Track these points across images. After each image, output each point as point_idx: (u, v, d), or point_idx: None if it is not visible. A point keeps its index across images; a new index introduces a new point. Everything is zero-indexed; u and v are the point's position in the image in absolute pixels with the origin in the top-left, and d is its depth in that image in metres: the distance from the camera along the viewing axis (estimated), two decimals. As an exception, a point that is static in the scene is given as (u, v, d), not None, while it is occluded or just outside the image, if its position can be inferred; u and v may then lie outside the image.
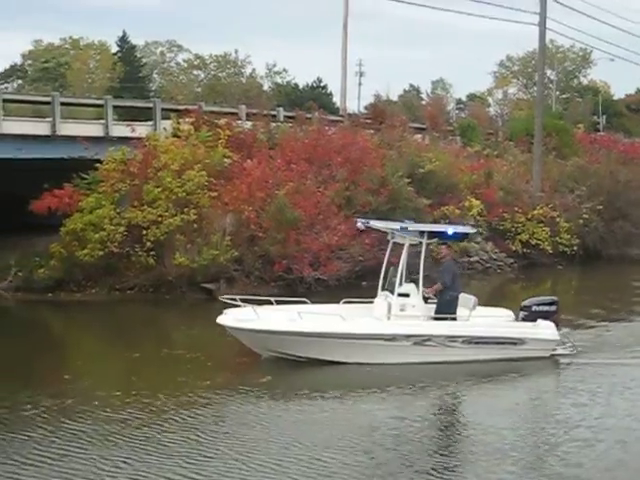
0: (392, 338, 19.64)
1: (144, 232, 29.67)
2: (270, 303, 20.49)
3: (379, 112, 45.61)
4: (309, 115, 39.98)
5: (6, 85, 72.53)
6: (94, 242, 29.35)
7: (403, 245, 20.62)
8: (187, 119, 35.34)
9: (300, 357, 19.67)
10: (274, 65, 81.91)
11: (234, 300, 19.82)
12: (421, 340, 19.72)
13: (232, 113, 38.25)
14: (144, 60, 77.44)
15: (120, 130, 34.94)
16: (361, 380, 18.87)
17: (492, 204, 39.04)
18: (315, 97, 63.86)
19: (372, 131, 40.40)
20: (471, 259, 37.56)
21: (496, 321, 20.72)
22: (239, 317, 19.65)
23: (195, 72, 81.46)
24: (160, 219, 29.81)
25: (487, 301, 33.25)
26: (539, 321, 20.45)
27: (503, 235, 39.25)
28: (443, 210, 36.26)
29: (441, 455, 13.96)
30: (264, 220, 31.02)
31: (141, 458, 13.60)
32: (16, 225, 32.61)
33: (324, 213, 32.22)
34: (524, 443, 14.59)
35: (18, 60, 77.14)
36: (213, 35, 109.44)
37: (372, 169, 34.53)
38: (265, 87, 77.68)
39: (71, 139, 33.35)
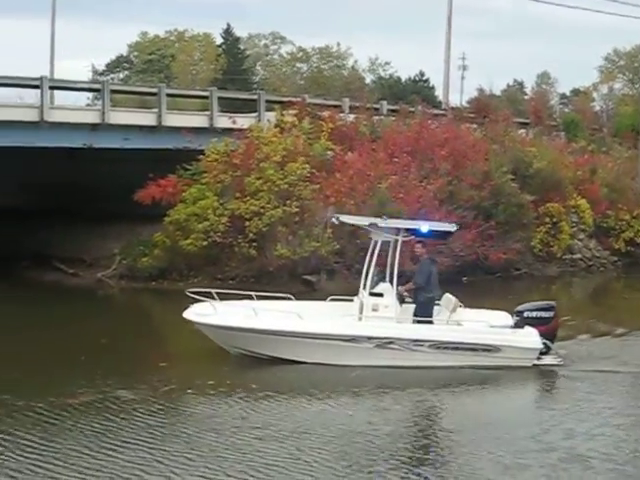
0: (351, 339, 18.68)
1: (246, 223, 29.90)
2: (251, 298, 19.69)
3: (482, 106, 45.14)
4: (412, 108, 39.77)
5: (112, 76, 73.64)
6: (197, 232, 29.70)
7: (385, 242, 19.63)
8: (291, 111, 35.46)
9: (261, 355, 18.95)
10: (376, 58, 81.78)
11: (208, 294, 18.94)
12: (384, 343, 18.68)
13: (335, 106, 38.25)
14: (247, 52, 77.90)
15: (224, 121, 35.23)
16: (310, 382, 17.78)
17: (596, 201, 38.37)
18: (417, 90, 63.68)
19: (475, 125, 40.07)
20: (574, 256, 37.06)
21: (471, 326, 19.27)
22: (199, 311, 19.01)
23: (298, 64, 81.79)
24: (262, 210, 30.01)
25: (588, 299, 33.18)
26: (526, 328, 19.01)
27: (606, 233, 38.55)
28: (548, 207, 35.79)
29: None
30: (365, 213, 30.96)
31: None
32: (121, 214, 33.17)
33: (426, 207, 32.05)
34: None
35: (124, 51, 78.40)
36: (316, 28, 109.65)
37: (475, 163, 34.23)
38: (367, 80, 77.61)
39: (176, 130, 33.75)
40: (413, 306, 19.57)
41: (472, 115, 42.59)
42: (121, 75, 76.37)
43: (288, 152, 31.66)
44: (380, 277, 19.58)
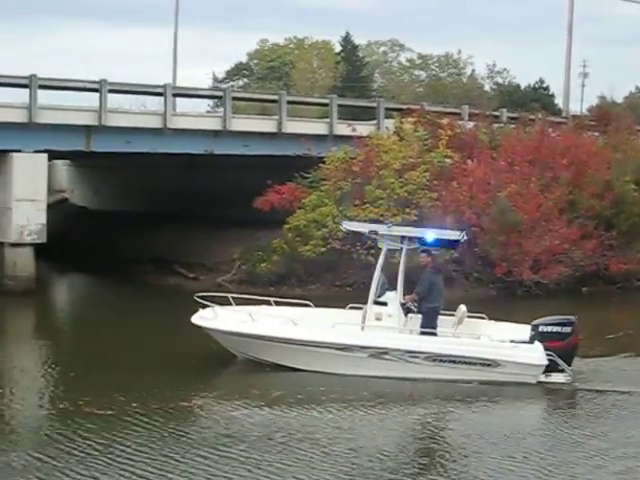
0: (344, 348, 18.26)
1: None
2: (268, 303, 19.74)
3: (604, 114, 44.40)
4: (532, 116, 39.37)
5: (232, 83, 74.56)
6: (316, 239, 29.88)
7: (392, 250, 19.27)
8: (409, 118, 35.43)
9: (260, 360, 18.82)
10: (494, 65, 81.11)
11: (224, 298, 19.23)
12: (377, 353, 18.21)
13: (454, 113, 38.12)
14: (366, 59, 78.09)
15: (343, 129, 35.41)
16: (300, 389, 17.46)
17: None
18: (537, 98, 62.89)
19: (597, 133, 39.45)
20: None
21: (471, 339, 18.59)
22: (203, 315, 18.96)
23: (416, 72, 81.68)
24: (381, 218, 29.99)
25: None
26: (535, 343, 18.18)
27: None
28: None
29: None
30: (484, 222, 30.81)
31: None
32: (240, 220, 33.62)
33: (546, 216, 31.75)
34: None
35: (244, 59, 79.33)
36: (435, 35, 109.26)
37: (597, 172, 33.71)
38: (486, 87, 77.04)
39: (295, 137, 34.09)
40: (418, 317, 19.04)
41: (593, 123, 41.93)
42: (241, 82, 77.28)
43: (407, 160, 31.67)
44: (388, 286, 19.01)
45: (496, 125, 37.43)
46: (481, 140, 35.29)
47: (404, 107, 38.34)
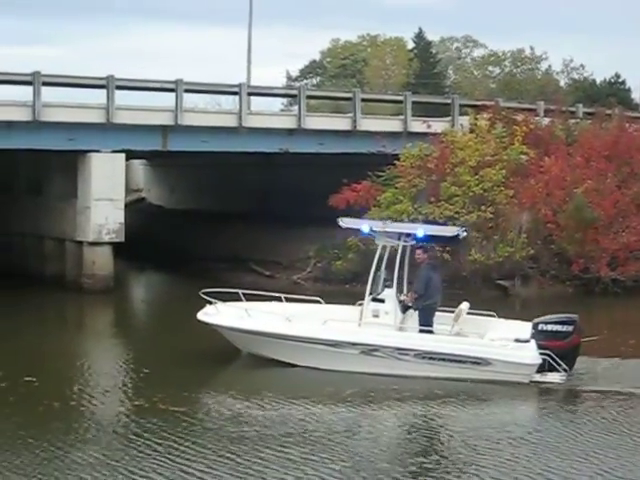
0: (336, 344, 18.25)
1: (440, 228, 29.93)
2: (279, 300, 19.89)
3: (683, 108, 43.79)
4: (608, 111, 38.93)
5: (305, 82, 74.78)
6: (391, 236, 29.85)
7: (386, 247, 18.98)
8: (484, 115, 35.26)
9: (260, 355, 19.06)
10: (571, 61, 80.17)
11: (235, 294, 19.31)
12: (368, 350, 18.15)
13: (529, 109, 37.82)
14: (439, 56, 77.75)
15: (417, 126, 35.36)
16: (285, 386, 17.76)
17: None
18: (613, 93, 62.03)
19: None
20: None
21: (462, 337, 18.45)
22: (206, 311, 19.34)
23: (490, 68, 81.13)
24: (456, 215, 29.96)
25: None
26: (530, 342, 17.83)
27: None
28: None
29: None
30: (561, 219, 30.56)
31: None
32: (315, 217, 33.71)
33: (623, 212, 31.40)
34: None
35: (317, 57, 79.48)
36: (508, 31, 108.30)
37: (676, 168, 33.28)
38: (561, 83, 76.21)
39: (370, 134, 34.09)
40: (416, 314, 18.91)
41: (672, 118, 41.31)
42: (314, 81, 77.48)
43: (483, 157, 31.53)
44: (390, 282, 18.77)
45: (572, 121, 37.10)
46: (557, 136, 35.03)
47: (479, 103, 38.19)
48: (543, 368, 17.80)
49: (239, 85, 33.04)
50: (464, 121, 35.72)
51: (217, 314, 19.16)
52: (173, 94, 31.02)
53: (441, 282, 19.41)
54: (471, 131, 34.15)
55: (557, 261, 30.78)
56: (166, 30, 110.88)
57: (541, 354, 17.76)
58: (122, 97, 30.65)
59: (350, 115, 34.94)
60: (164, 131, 31.25)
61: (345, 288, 30.29)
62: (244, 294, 19.35)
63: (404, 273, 19.21)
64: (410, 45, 78.00)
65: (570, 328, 18.02)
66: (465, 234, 19.71)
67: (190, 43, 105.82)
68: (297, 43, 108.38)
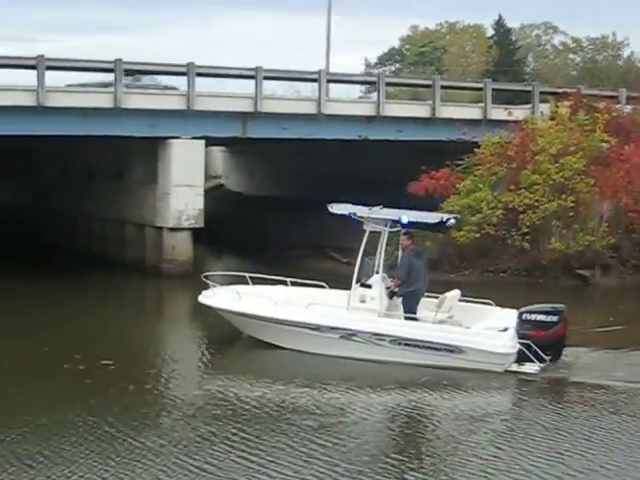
0: (316, 328, 18.59)
1: (520, 216, 29.69)
2: (285, 283, 20.42)
3: None
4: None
5: (384, 69, 74.57)
6: (471, 224, 29.65)
7: (375, 233, 19.17)
8: (565, 102, 34.85)
9: (251, 337, 19.65)
10: (656, 47, 78.88)
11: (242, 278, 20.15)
12: (347, 334, 18.44)
13: (611, 97, 37.28)
14: (519, 43, 76.92)
15: (497, 113, 35.12)
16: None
17: None
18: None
19: None
20: None
21: (437, 325, 18.31)
22: (205, 294, 20.10)
23: (570, 55, 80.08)
24: (536, 204, 29.71)
25: None
26: (507, 331, 17.85)
27: None
28: None
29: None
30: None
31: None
32: (393, 205, 33.60)
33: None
34: None
35: (395, 44, 79.24)
36: (589, 17, 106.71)
37: None
38: (644, 70, 74.90)
39: (449, 122, 33.92)
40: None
41: None
42: (392, 68, 77.26)
43: (564, 145, 31.18)
44: (375, 269, 18.99)
45: (656, 108, 36.49)
46: (639, 124, 34.45)
47: (559, 91, 37.70)
48: (524, 358, 17.67)
49: (318, 72, 33.07)
50: (544, 109, 35.35)
51: (213, 296, 19.89)
52: (253, 81, 31.17)
53: (426, 269, 19.50)
54: (551, 119, 33.79)
55: (638, 250, 30.40)
56: (246, 18, 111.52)
57: (521, 344, 17.64)
58: (202, 84, 30.90)
59: (429, 102, 34.79)
60: (244, 118, 31.42)
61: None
62: (252, 278, 20.18)
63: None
64: (489, 32, 77.33)
65: (555, 318, 17.90)
66: (454, 221, 19.63)
67: (269, 31, 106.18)
68: (376, 30, 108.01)
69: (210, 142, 34.08)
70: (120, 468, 12.30)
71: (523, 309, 18.16)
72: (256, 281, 20.40)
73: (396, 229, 19.16)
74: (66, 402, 15.37)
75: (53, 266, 30.69)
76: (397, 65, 78.08)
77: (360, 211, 19.49)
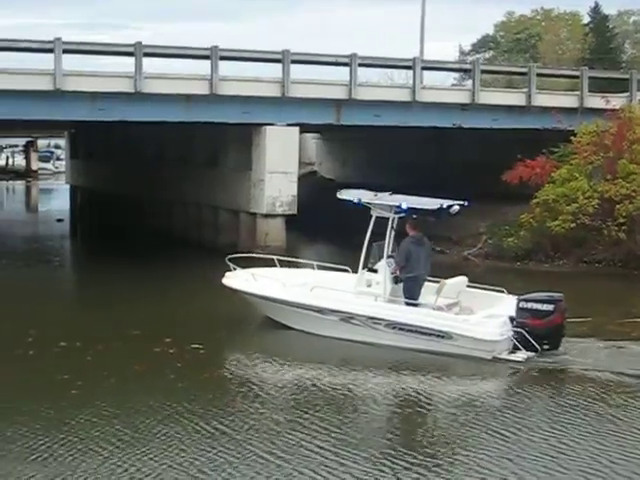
0: (319, 310, 19.03)
1: (616, 206, 29.26)
2: (312, 268, 21.32)
3: None
4: None
5: (477, 56, 73.93)
6: (566, 214, 29.31)
7: (382, 218, 19.23)
8: (665, 90, 34.29)
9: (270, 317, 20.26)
10: None
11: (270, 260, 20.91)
12: (346, 317, 18.78)
13: None
14: (616, 30, 75.68)
15: (594, 102, 34.66)
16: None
17: None
18: None
19: None
20: None
21: (430, 310, 18.40)
22: (227, 275, 20.70)
23: (669, 42, 78.60)
24: (633, 194, 29.25)
25: None
26: (497, 319, 17.81)
27: None
28: None
29: None
30: None
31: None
32: (486, 193, 33.45)
33: None
34: None
35: (490, 31, 78.52)
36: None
37: None
38: None
39: (544, 110, 33.60)
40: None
41: None
42: (486, 55, 76.59)
43: (663, 134, 30.68)
44: (376, 254, 19.28)
45: None
46: None
47: (659, 78, 37.05)
48: (519, 346, 17.56)
49: (413, 59, 32.99)
50: (642, 97, 34.85)
51: (232, 278, 20.58)
52: (347, 68, 31.22)
53: (427, 256, 19.46)
54: (650, 107, 33.25)
55: None
56: (339, 6, 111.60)
57: (515, 332, 17.55)
58: (296, 72, 31.03)
59: (525, 90, 34.48)
60: (337, 105, 31.51)
61: (516, 265, 30.08)
62: (279, 261, 20.95)
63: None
64: (585, 19, 76.21)
65: (550, 307, 17.67)
66: (457, 208, 19.37)
67: (362, 18, 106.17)
68: (470, 17, 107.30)
69: (304, 129, 34.23)
70: (197, 452, 12.43)
71: (521, 297, 18.08)
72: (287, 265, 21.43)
73: (399, 215, 19.19)
74: (154, 387, 15.65)
75: (150, 251, 31.13)
76: (491, 52, 77.37)
77: (366, 197, 19.67)
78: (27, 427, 13.22)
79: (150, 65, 29.44)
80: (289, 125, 30.48)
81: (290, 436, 13.04)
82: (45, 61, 28.11)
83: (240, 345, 19.64)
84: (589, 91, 35.35)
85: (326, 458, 12.19)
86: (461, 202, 19.49)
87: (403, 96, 32.34)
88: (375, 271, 19.20)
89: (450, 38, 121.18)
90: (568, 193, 29.64)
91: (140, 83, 28.31)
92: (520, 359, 17.35)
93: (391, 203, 19.22)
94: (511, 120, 33.91)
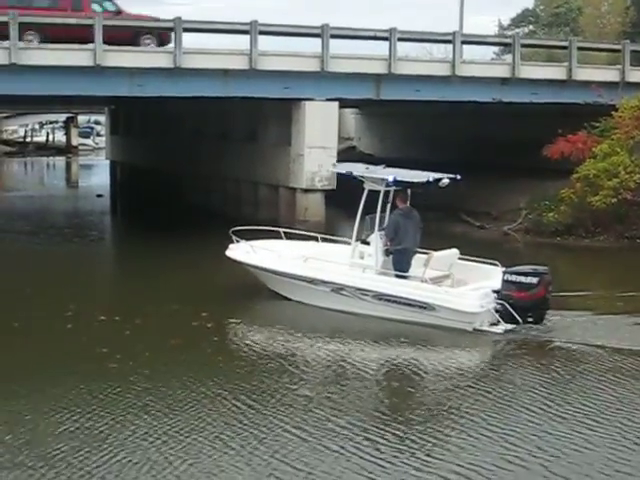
0: (311, 281, 19.64)
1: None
2: (316, 239, 22.00)
3: None
4: None
5: (517, 30, 73.31)
6: (607, 189, 29.04)
7: (374, 191, 19.53)
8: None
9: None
10: None
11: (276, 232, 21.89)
12: (337, 288, 19.28)
13: None
14: (658, 3, 74.80)
15: (635, 76, 34.39)
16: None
17: None
18: None
19: None
20: None
21: (415, 282, 18.69)
22: (230, 247, 21.48)
23: None
24: (674, 170, 29.04)
25: None
26: (476, 291, 18.21)
27: None
28: None
29: None
30: None
31: None
32: (526, 168, 33.29)
33: None
34: None
35: (529, 5, 77.83)
36: None
37: None
38: None
39: (585, 84, 33.32)
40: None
41: None
42: (526, 29, 75.90)
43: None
44: (367, 226, 19.70)
45: None
46: None
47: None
48: (503, 317, 17.70)
49: (453, 33, 32.75)
50: (685, 71, 34.44)
51: (234, 249, 21.32)
52: (386, 43, 31.06)
53: (416, 228, 19.57)
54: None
55: None
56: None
57: (499, 304, 17.75)
58: (335, 47, 30.87)
59: (565, 64, 34.16)
60: (377, 80, 31.37)
61: (556, 241, 29.92)
62: (285, 233, 21.81)
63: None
64: (627, -7, 75.35)
65: (534, 280, 17.81)
66: (447, 182, 19.18)
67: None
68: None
69: (343, 104, 34.13)
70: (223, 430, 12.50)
71: (506, 270, 18.27)
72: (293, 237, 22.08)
73: (391, 188, 19.40)
74: (188, 361, 15.80)
75: (189, 226, 31.25)
76: (530, 27, 76.66)
77: (357, 170, 20.02)
78: (61, 400, 13.40)
79: (187, 41, 29.41)
80: (328, 100, 30.40)
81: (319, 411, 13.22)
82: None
83: (274, 318, 19.72)
84: (631, 65, 34.96)
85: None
86: (452, 175, 19.58)
87: (442, 70, 32.12)
88: (368, 243, 19.60)
89: (489, 12, 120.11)
90: (609, 168, 29.38)
91: (179, 58, 28.33)
92: (500, 331, 17.56)
93: (381, 176, 19.47)
94: (551, 94, 33.60)
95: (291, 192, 30.73)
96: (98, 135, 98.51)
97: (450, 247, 20.03)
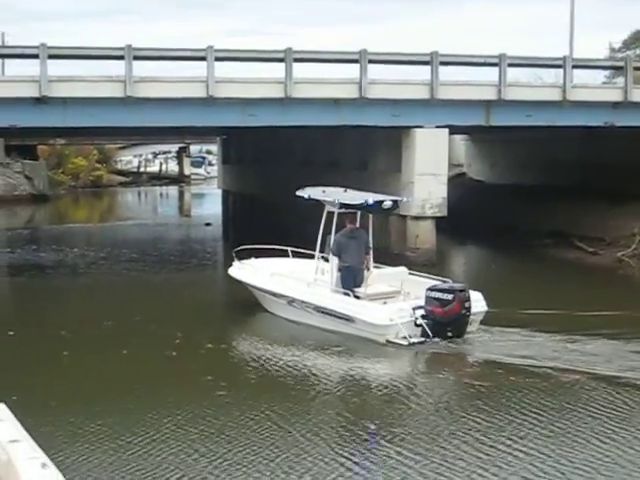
0: (274, 294, 21.19)
1: None
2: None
3: None
4: None
5: (628, 52, 72.29)
6: None
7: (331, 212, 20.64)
8: None
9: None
10: None
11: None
12: (289, 301, 20.70)
13: None
14: None
15: None
16: None
17: None
18: None
19: None
20: None
21: (342, 296, 19.82)
22: (234, 264, 23.18)
23: None
24: None
25: None
26: (387, 305, 19.41)
27: None
28: None
29: None
30: None
31: None
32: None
33: None
34: None
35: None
36: None
37: None
38: None
39: None
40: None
41: None
42: (637, 51, 74.85)
43: None
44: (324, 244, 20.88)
45: None
46: None
47: None
48: (423, 333, 18.45)
49: (563, 58, 32.47)
50: None
51: (232, 268, 23.12)
52: (495, 69, 30.98)
53: (360, 248, 20.51)
54: None
55: None
56: (487, 6, 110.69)
57: (423, 318, 18.50)
58: (444, 73, 30.93)
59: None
60: (487, 106, 31.28)
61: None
62: (293, 252, 22.86)
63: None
64: None
65: (450, 297, 18.41)
66: (390, 204, 20.30)
67: (510, 18, 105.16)
68: (619, 13, 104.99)
69: (452, 130, 34.12)
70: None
71: (429, 286, 18.96)
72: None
73: (343, 210, 20.37)
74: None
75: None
76: (641, 49, 75.52)
77: (315, 194, 21.11)
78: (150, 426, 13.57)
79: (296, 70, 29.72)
80: (438, 127, 30.44)
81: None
82: (194, 68, 28.76)
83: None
84: None
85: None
86: (396, 198, 21.17)
87: (553, 95, 31.86)
88: (327, 260, 20.71)
89: (598, 35, 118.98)
90: None
91: (290, 88, 28.71)
92: (404, 343, 18.22)
93: (331, 199, 20.57)
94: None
95: (402, 219, 30.75)
96: (210, 164, 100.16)
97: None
